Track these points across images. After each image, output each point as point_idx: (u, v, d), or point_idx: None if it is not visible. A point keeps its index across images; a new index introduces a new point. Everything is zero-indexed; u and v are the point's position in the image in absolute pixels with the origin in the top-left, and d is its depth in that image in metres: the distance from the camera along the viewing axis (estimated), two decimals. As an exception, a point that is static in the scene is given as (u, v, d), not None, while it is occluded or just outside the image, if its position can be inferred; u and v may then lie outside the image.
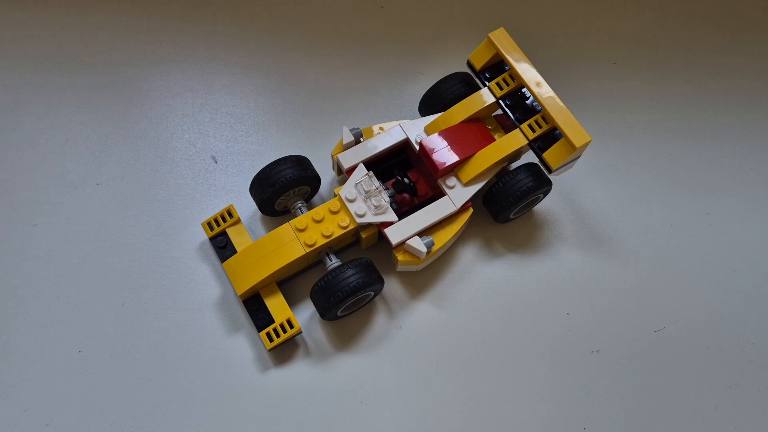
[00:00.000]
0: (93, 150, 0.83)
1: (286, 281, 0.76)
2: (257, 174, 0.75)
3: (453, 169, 0.75)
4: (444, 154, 0.74)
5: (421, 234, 0.73)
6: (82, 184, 0.81)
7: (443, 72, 0.83)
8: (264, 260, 0.71)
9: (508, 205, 0.75)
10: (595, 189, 0.85)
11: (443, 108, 0.80)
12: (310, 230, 0.72)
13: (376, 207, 0.72)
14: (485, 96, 0.77)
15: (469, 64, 0.79)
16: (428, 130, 0.77)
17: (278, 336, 0.70)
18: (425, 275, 0.78)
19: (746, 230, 0.84)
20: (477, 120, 0.78)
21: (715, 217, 0.85)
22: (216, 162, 0.83)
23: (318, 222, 0.72)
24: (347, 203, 0.72)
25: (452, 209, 0.73)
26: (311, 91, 0.89)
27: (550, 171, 0.75)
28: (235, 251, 0.74)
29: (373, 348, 0.74)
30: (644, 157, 0.88)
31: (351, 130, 0.77)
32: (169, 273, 0.76)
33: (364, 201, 0.72)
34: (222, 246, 0.75)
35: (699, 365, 0.77)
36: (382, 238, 0.74)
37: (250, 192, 0.76)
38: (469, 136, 0.76)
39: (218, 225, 0.75)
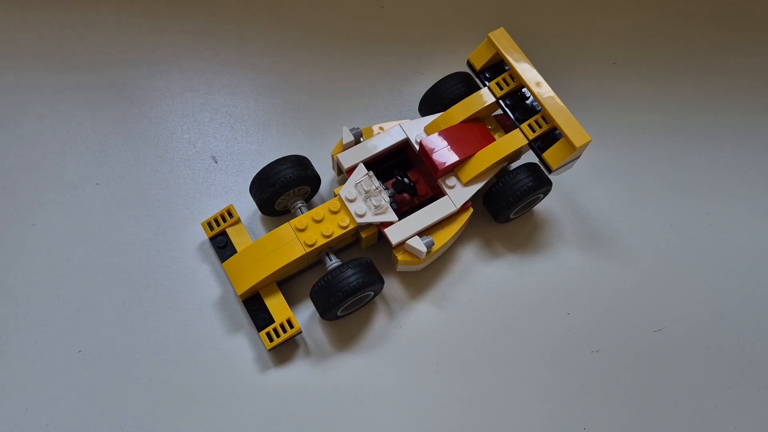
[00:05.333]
0: (93, 150, 0.83)
1: (286, 281, 0.76)
2: (257, 174, 0.75)
3: (453, 169, 0.75)
4: (444, 154, 0.74)
5: (421, 234, 0.73)
6: (82, 184, 0.81)
7: (443, 72, 0.83)
8: (264, 260, 0.71)
9: (508, 205, 0.75)
10: (595, 189, 0.85)
11: (443, 108, 0.80)
12: (310, 230, 0.72)
13: (376, 207, 0.72)
14: (485, 96, 0.77)
15: (469, 64, 0.79)
16: (428, 130, 0.77)
17: (278, 336, 0.70)
18: (425, 275, 0.78)
19: (746, 230, 0.84)
20: (477, 120, 0.78)
21: (715, 217, 0.85)
22: (216, 162, 0.83)
23: (318, 222, 0.72)
24: (347, 203, 0.72)
25: (452, 209, 0.73)
26: (311, 91, 0.89)
27: (550, 171, 0.75)
28: (235, 251, 0.74)
29: (373, 348, 0.74)
30: (644, 157, 0.88)
31: (351, 130, 0.77)
32: (169, 273, 0.76)
33: (364, 201, 0.72)
34: (222, 246, 0.75)
35: (699, 365, 0.77)
36: (382, 238, 0.74)
37: (250, 192, 0.76)
38: (469, 136, 0.76)
39: (218, 225, 0.75)
